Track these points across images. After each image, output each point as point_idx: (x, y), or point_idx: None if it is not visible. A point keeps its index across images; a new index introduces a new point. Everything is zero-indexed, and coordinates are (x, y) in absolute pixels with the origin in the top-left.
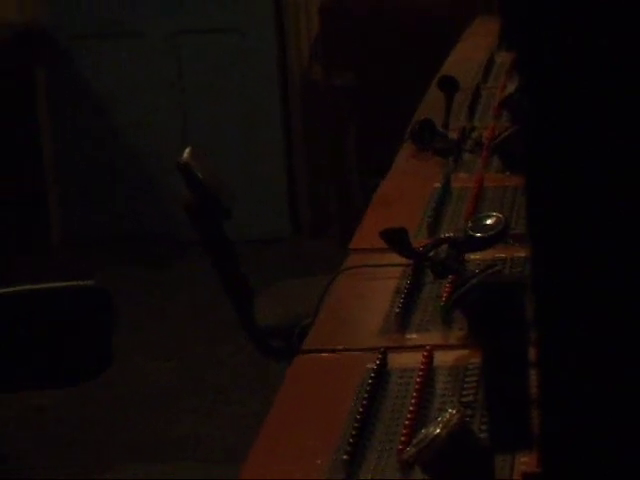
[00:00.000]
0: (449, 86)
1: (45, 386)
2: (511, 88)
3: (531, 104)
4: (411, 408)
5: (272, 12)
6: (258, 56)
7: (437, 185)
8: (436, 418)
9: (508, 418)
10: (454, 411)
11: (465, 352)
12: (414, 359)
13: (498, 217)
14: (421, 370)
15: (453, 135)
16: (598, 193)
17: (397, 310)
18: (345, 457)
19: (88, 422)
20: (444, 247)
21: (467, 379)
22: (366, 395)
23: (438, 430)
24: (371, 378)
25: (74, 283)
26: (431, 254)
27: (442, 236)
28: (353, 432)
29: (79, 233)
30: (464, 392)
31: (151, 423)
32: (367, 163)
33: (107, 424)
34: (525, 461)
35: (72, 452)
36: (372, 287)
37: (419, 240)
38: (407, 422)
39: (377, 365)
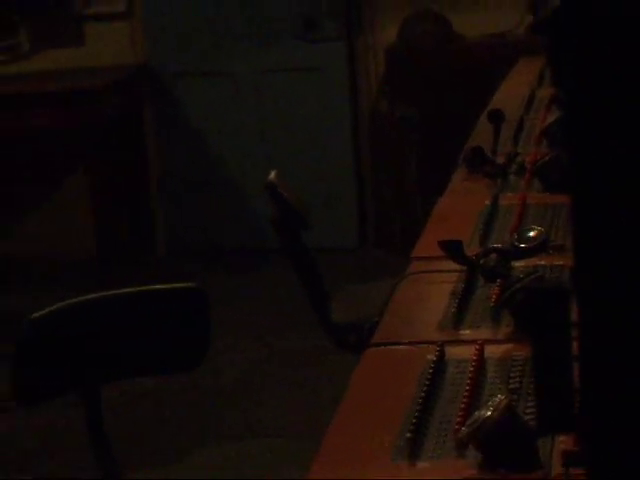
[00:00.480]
0: (497, 118)
1: (153, 373)
2: (550, 119)
3: (574, 132)
4: (465, 394)
5: (345, 53)
6: (333, 91)
7: (487, 203)
8: (487, 403)
9: (552, 404)
10: (502, 397)
11: (511, 346)
12: (468, 352)
13: (539, 230)
14: (474, 361)
15: (500, 160)
16: (631, 203)
17: (453, 310)
18: (409, 435)
19: (187, 406)
20: (493, 256)
21: (513, 369)
22: (426, 383)
23: (489, 413)
24: (431, 368)
25: (178, 285)
26: (482, 262)
27: (491, 246)
28: (415, 414)
29: (181, 245)
30: (511, 380)
31: (240, 406)
32: (426, 184)
33: (203, 407)
34: (563, 441)
35: (167, 433)
36: (431, 290)
37: (471, 249)
38: (462, 406)
39: (436, 357)
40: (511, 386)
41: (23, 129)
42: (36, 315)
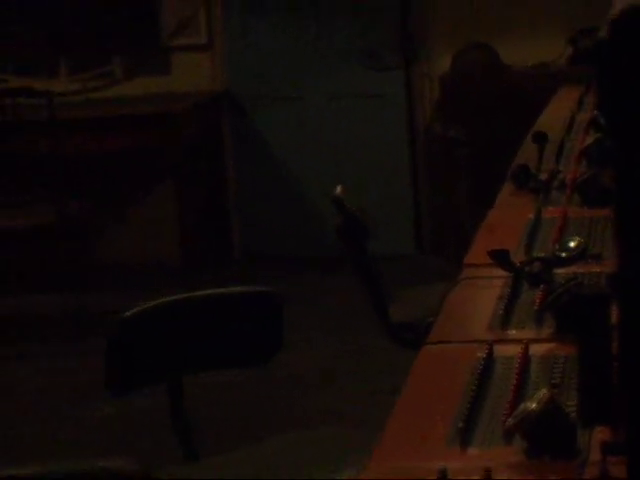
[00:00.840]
0: (541, 139)
1: (232, 366)
2: (588, 141)
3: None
4: (512, 388)
5: (403, 81)
6: (391, 115)
7: (531, 216)
8: (531, 396)
9: (594, 398)
10: (545, 391)
11: (553, 345)
12: (514, 350)
13: (579, 241)
14: (519, 359)
15: (543, 177)
16: None
17: (500, 312)
18: (461, 425)
19: (262, 395)
20: (537, 263)
21: (555, 366)
22: (477, 378)
23: (533, 405)
24: (481, 364)
25: (255, 289)
26: (527, 269)
27: (535, 255)
28: (467, 406)
29: (255, 250)
30: (553, 376)
31: (311, 395)
32: (476, 198)
33: (277, 396)
34: (600, 431)
35: (243, 419)
36: (481, 294)
37: (517, 258)
38: (509, 399)
39: (486, 354)
40: (553, 381)
41: (117, 147)
42: (127, 314)
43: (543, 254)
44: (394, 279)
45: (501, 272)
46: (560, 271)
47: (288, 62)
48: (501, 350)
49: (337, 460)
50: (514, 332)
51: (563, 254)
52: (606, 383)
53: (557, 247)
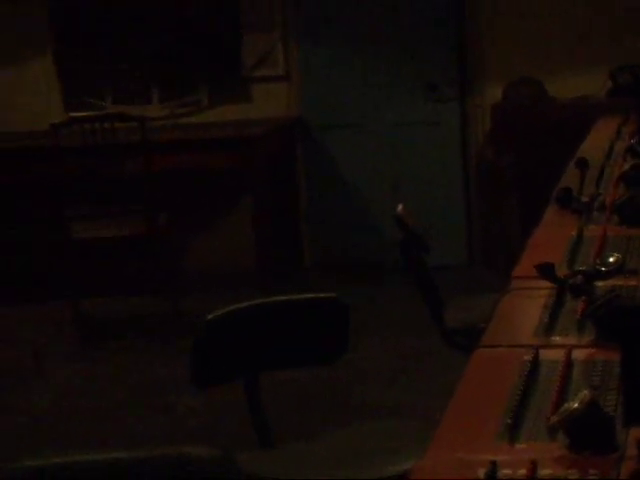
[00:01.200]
0: (583, 165)
1: (303, 365)
2: (626, 166)
3: None
4: (556, 389)
5: (459, 111)
6: (448, 141)
7: (573, 234)
8: (574, 396)
9: (635, 400)
10: (586, 392)
11: (594, 350)
12: (557, 354)
13: (617, 257)
14: (563, 362)
15: (585, 199)
16: None
17: (545, 320)
18: (509, 422)
19: (331, 390)
20: (579, 277)
21: (595, 369)
22: (524, 379)
23: (576, 405)
24: (527, 367)
25: (322, 295)
26: (570, 281)
27: (578, 269)
28: (514, 404)
29: (323, 260)
30: (593, 379)
31: (373, 391)
32: (523, 217)
33: (343, 392)
34: (637, 430)
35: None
36: (528, 303)
37: (561, 271)
38: (553, 399)
39: (532, 358)
40: (593, 383)
41: (201, 166)
42: (210, 317)
43: (584, 268)
44: (448, 288)
45: (546, 284)
46: (600, 284)
47: (356, 92)
48: (546, 354)
49: (399, 449)
50: (558, 338)
51: (603, 268)
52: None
53: (597, 262)
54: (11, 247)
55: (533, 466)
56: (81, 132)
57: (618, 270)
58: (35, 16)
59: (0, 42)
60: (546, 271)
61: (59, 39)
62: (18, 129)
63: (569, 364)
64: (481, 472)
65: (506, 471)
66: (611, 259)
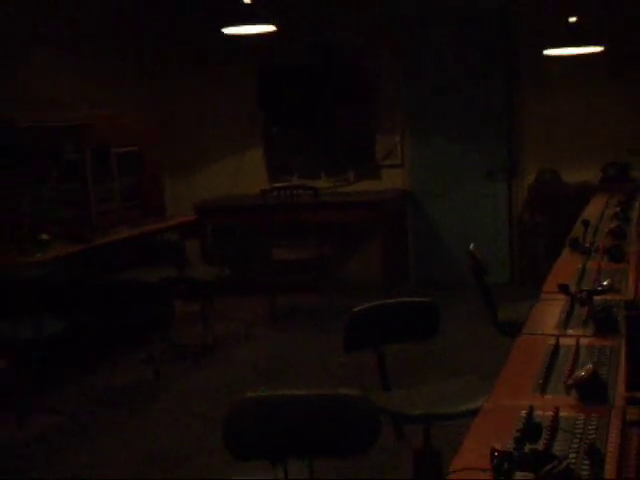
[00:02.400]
0: (585, 224)
1: (410, 339)
2: (612, 225)
3: None
4: (570, 362)
5: (507, 187)
6: (499, 207)
7: (580, 266)
8: (581, 368)
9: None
10: (590, 365)
11: (593, 339)
12: (571, 341)
13: (609, 281)
14: (574, 346)
15: (587, 245)
16: None
17: (563, 319)
18: (541, 382)
19: (429, 357)
20: (584, 293)
21: (594, 351)
22: (549, 356)
23: (583, 373)
24: (552, 348)
25: (422, 299)
26: (578, 296)
27: (583, 288)
28: (544, 371)
29: (423, 278)
30: (593, 357)
31: (452, 360)
32: (549, 254)
33: (439, 359)
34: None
35: (401, 369)
36: (552, 308)
37: (573, 289)
38: (568, 368)
39: (554, 343)
40: (594, 360)
41: (350, 218)
42: (355, 309)
43: (587, 287)
44: (500, 297)
45: (563, 297)
46: (597, 298)
47: (443, 174)
48: (563, 341)
49: (474, 395)
50: (571, 331)
51: (599, 288)
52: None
53: (596, 284)
54: (239, 261)
55: (556, 410)
56: (279, 195)
57: (609, 289)
58: (256, 123)
59: (232, 139)
60: (563, 289)
61: (267, 140)
62: (242, 192)
63: (578, 347)
64: (523, 412)
65: (538, 412)
66: (604, 282)
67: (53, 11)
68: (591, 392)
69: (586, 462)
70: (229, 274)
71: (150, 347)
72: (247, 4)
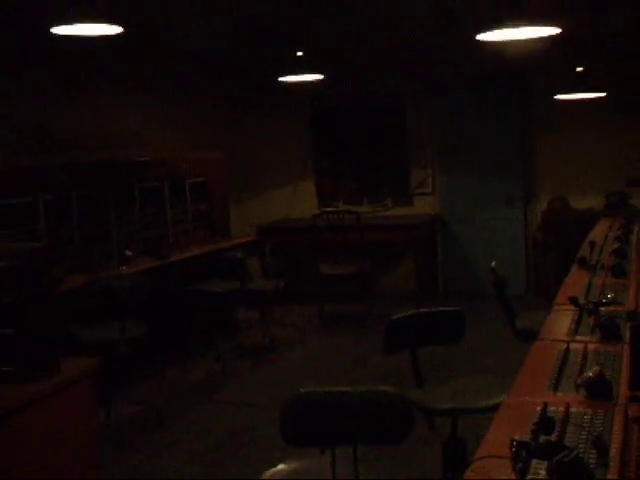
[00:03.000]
0: (592, 244)
1: (441, 343)
2: (615, 246)
3: None
4: (579, 365)
5: (523, 212)
6: (516, 229)
7: (587, 281)
8: (588, 369)
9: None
10: (596, 367)
11: (599, 345)
12: (579, 346)
13: (612, 294)
14: (582, 350)
15: (593, 263)
16: None
17: (573, 327)
18: (553, 382)
19: (457, 358)
20: (591, 304)
21: (600, 355)
22: (561, 358)
23: (590, 374)
24: (563, 352)
25: (450, 308)
26: (586, 306)
27: (590, 300)
28: (557, 371)
29: (450, 289)
30: (598, 360)
31: (481, 361)
32: (559, 270)
33: (465, 360)
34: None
35: (437, 367)
36: (563, 317)
37: (581, 300)
38: (578, 369)
39: (565, 347)
40: (599, 362)
41: (387, 239)
42: (394, 317)
43: (594, 300)
44: (517, 307)
45: (573, 307)
46: (602, 309)
47: (469, 202)
48: (573, 346)
49: (495, 392)
50: (579, 337)
51: (604, 300)
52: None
53: (601, 296)
54: (292, 275)
55: (567, 406)
56: (327, 218)
57: (612, 302)
58: (308, 157)
59: (288, 170)
60: (573, 300)
61: (317, 171)
62: (296, 216)
63: (586, 352)
64: (538, 408)
65: (551, 408)
66: (609, 295)
67: (145, 63)
68: (598, 391)
69: (593, 452)
70: (284, 286)
71: (217, 347)
72: (301, 57)
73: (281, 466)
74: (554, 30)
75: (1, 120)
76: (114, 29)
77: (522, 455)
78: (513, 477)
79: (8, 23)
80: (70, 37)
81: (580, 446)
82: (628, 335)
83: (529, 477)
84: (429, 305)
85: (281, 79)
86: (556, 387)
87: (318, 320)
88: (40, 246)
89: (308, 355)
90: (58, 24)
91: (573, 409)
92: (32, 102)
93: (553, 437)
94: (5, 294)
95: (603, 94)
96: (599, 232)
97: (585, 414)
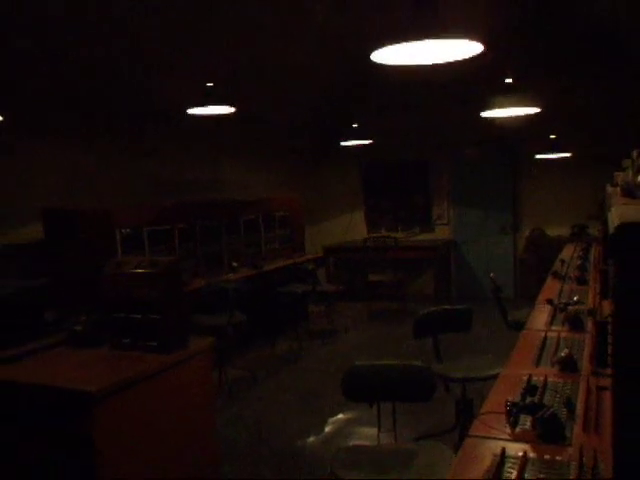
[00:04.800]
0: (562, 261)
1: (455, 331)
2: (578, 262)
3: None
4: (554, 348)
5: (513, 238)
6: (507, 250)
7: (559, 287)
8: (562, 350)
9: (601, 351)
10: (567, 349)
11: (569, 334)
12: (555, 334)
13: (578, 296)
14: (556, 337)
15: (563, 274)
16: None
17: (549, 320)
18: (536, 359)
19: (466, 340)
20: (562, 304)
21: (569, 340)
22: (542, 342)
23: (562, 354)
24: (543, 337)
25: (461, 306)
26: (559, 305)
27: (561, 301)
28: (538, 351)
29: (460, 293)
30: (568, 344)
31: (484, 345)
32: (539, 278)
33: (472, 343)
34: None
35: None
36: (542, 313)
37: (557, 301)
38: (553, 350)
39: (544, 335)
40: (568, 346)
41: (416, 257)
42: (422, 313)
43: (564, 301)
44: (508, 306)
45: (549, 307)
46: (570, 307)
47: (474, 230)
48: (550, 334)
49: (494, 366)
50: (554, 328)
51: (571, 301)
52: (597, 349)
53: (569, 299)
54: (349, 281)
55: (546, 377)
56: (373, 241)
57: (577, 302)
58: (359, 196)
59: (345, 206)
60: (549, 301)
61: (366, 206)
62: (351, 239)
63: (559, 338)
64: (525, 378)
65: (535, 378)
66: (575, 298)
67: (248, 133)
68: (567, 366)
69: (564, 410)
70: (343, 289)
71: (296, 331)
72: (356, 128)
73: (341, 415)
74: (535, 109)
75: (153, 174)
76: (228, 109)
77: (514, 411)
78: (507, 427)
79: (158, 105)
80: (201, 115)
81: (555, 405)
82: (589, 327)
83: (519, 427)
84: (444, 304)
85: (342, 143)
86: (537, 363)
87: (366, 313)
88: (174, 259)
89: (359, 338)
90: (193, 107)
91: (550, 379)
92: (172, 161)
93: (536, 399)
94: (152, 291)
95: (569, 154)
96: (567, 253)
97: (558, 383)
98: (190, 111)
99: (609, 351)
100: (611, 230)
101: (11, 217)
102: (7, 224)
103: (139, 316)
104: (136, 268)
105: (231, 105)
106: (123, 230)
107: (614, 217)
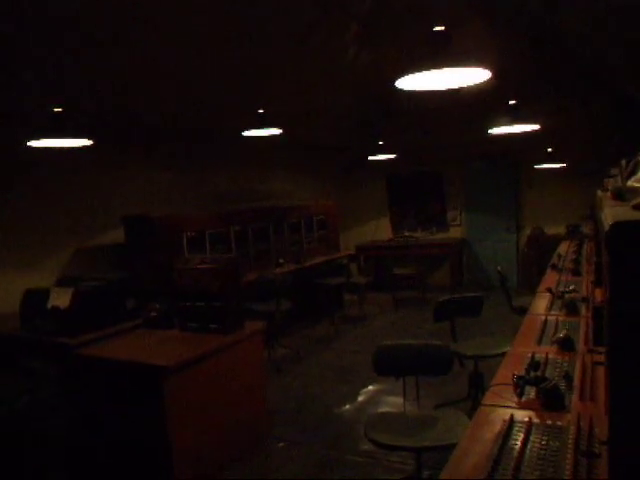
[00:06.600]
0: (559, 256)
1: (467, 316)
2: (573, 257)
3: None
4: (554, 329)
5: (516, 236)
6: (511, 247)
7: (557, 278)
8: (560, 332)
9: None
10: (565, 330)
11: (566, 317)
12: (553, 318)
13: (574, 286)
14: (555, 321)
15: (560, 266)
16: None
17: (549, 305)
18: (538, 338)
19: (478, 324)
20: (560, 292)
21: (566, 324)
22: (542, 324)
23: (561, 335)
24: (543, 321)
25: (473, 294)
26: (557, 294)
27: (560, 289)
28: (540, 332)
29: (471, 282)
30: (566, 326)
31: (490, 326)
32: (539, 271)
33: (481, 325)
34: (586, 345)
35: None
36: (542, 300)
37: (555, 290)
38: (553, 332)
39: (544, 319)
40: (566, 328)
41: (433, 253)
42: (440, 300)
43: (562, 289)
44: (513, 294)
45: (549, 294)
46: (567, 295)
47: (484, 230)
48: (550, 318)
49: (502, 345)
50: (553, 312)
51: (568, 290)
52: (592, 329)
53: (566, 287)
54: (377, 274)
55: (547, 354)
56: (397, 240)
57: (573, 291)
58: (384, 203)
59: (373, 211)
60: (549, 290)
61: (391, 212)
62: (378, 239)
63: (557, 321)
64: (529, 355)
65: (537, 355)
66: (571, 287)
67: (291, 151)
68: (566, 345)
69: (563, 382)
70: (372, 280)
71: (332, 316)
72: (382, 145)
73: (371, 386)
74: (534, 126)
75: (215, 186)
76: (277, 131)
77: (520, 384)
78: (515, 397)
79: (219, 132)
80: (253, 137)
81: (555, 378)
82: (584, 311)
83: (524, 397)
84: (458, 292)
85: (370, 157)
86: (539, 342)
87: (391, 301)
88: (233, 257)
89: (386, 322)
90: (247, 130)
91: (550, 356)
92: (230, 174)
93: (539, 373)
94: (214, 283)
95: (564, 165)
96: (563, 248)
97: (558, 359)
98: (245, 133)
99: (604, 331)
100: (606, 228)
101: (96, 225)
102: (94, 231)
103: (203, 304)
104: (200, 264)
105: (279, 127)
106: (189, 233)
107: (608, 217)
